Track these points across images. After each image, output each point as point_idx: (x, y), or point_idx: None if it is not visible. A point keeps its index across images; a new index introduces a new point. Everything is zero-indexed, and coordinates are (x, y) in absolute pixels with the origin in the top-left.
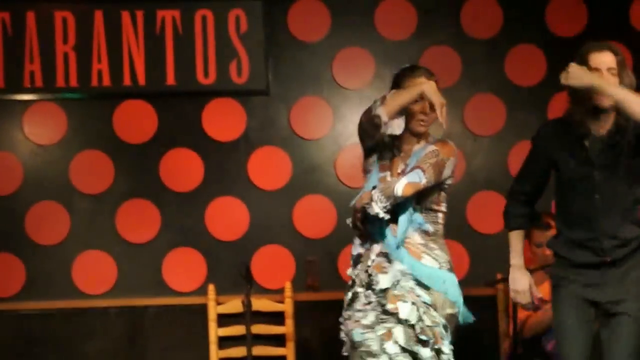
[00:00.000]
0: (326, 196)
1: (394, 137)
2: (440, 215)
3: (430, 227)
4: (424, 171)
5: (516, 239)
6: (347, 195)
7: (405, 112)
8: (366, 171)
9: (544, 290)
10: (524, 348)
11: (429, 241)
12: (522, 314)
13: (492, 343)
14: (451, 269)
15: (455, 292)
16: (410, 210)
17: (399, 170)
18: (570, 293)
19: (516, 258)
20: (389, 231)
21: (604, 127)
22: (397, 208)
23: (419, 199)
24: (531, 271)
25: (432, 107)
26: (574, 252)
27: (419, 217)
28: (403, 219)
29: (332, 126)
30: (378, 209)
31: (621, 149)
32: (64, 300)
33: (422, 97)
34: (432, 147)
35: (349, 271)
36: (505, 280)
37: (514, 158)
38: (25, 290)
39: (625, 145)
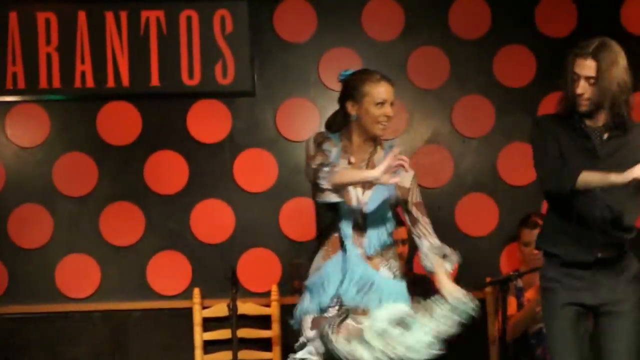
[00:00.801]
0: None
1: (342, 140)
2: (394, 224)
3: (388, 239)
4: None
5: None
6: None
7: (362, 116)
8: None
9: (534, 293)
10: (514, 351)
11: (388, 250)
12: (508, 318)
13: (482, 346)
14: (402, 276)
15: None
16: (383, 229)
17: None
18: (561, 299)
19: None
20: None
21: (599, 120)
22: (368, 221)
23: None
24: (522, 274)
25: (391, 104)
26: (565, 248)
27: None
28: (374, 235)
29: (319, 128)
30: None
31: (624, 142)
32: (47, 304)
33: (384, 102)
34: (411, 174)
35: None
36: (494, 283)
37: (503, 160)
38: (8, 294)
39: (629, 140)
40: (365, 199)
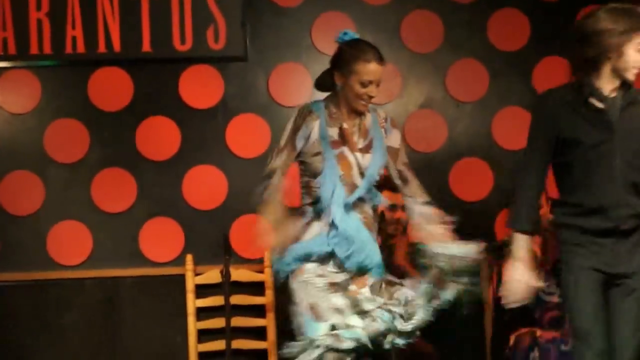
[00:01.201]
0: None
1: (327, 107)
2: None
3: (378, 200)
4: None
5: (523, 241)
6: None
7: (346, 90)
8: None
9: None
10: (511, 316)
11: (376, 217)
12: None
13: (477, 311)
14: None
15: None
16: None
17: (360, 146)
18: (581, 262)
19: (521, 252)
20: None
21: (609, 89)
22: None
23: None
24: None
25: (378, 85)
26: (586, 219)
27: (379, 195)
28: (370, 200)
29: (312, 93)
30: None
31: (637, 112)
32: (39, 272)
33: (370, 82)
34: (398, 133)
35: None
36: (489, 249)
37: (497, 124)
38: (0, 262)
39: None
40: (366, 163)
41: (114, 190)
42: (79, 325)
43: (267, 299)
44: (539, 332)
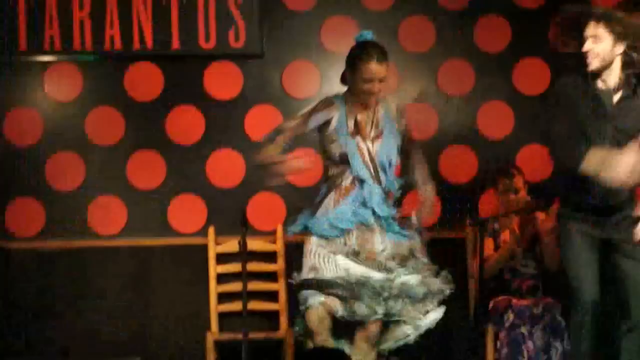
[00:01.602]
0: (314, 149)
1: (346, 101)
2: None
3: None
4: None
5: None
6: None
7: (351, 82)
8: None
9: (508, 235)
10: (492, 286)
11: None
12: (485, 257)
13: (461, 281)
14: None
15: None
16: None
17: (373, 135)
18: (579, 229)
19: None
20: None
21: (608, 82)
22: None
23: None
24: (498, 217)
25: (381, 81)
26: (580, 196)
27: (394, 182)
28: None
29: (320, 87)
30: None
31: (634, 105)
32: (80, 241)
33: (370, 79)
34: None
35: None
36: (473, 225)
37: (481, 116)
38: (46, 231)
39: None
40: (375, 150)
41: (146, 170)
42: (114, 288)
43: (278, 266)
44: (514, 300)
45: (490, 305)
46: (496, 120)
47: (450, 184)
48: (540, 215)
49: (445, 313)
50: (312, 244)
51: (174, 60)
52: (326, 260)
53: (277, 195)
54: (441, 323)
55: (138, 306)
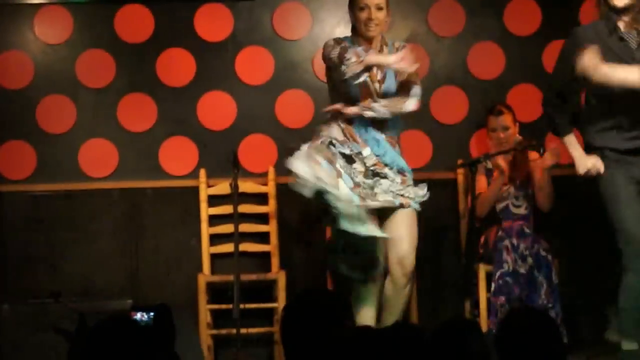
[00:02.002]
0: (305, 91)
1: (352, 43)
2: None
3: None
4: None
5: (572, 139)
6: (324, 89)
7: (353, 19)
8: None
9: (497, 173)
10: (482, 224)
11: (398, 139)
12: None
13: (453, 221)
14: None
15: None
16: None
17: (379, 78)
18: (619, 169)
19: (577, 150)
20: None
21: (630, 26)
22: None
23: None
24: (490, 156)
25: (379, 9)
26: (614, 139)
27: (399, 121)
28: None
29: (311, 28)
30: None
31: None
32: (71, 183)
33: (366, 6)
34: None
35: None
36: (465, 165)
37: (472, 57)
38: (37, 174)
39: None
40: (381, 91)
41: (137, 112)
42: (107, 230)
43: (270, 208)
44: (505, 224)
45: (482, 239)
46: (487, 61)
47: (441, 125)
48: (533, 155)
49: (437, 253)
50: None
51: (164, 3)
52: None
53: (268, 137)
54: (433, 263)
55: (129, 248)
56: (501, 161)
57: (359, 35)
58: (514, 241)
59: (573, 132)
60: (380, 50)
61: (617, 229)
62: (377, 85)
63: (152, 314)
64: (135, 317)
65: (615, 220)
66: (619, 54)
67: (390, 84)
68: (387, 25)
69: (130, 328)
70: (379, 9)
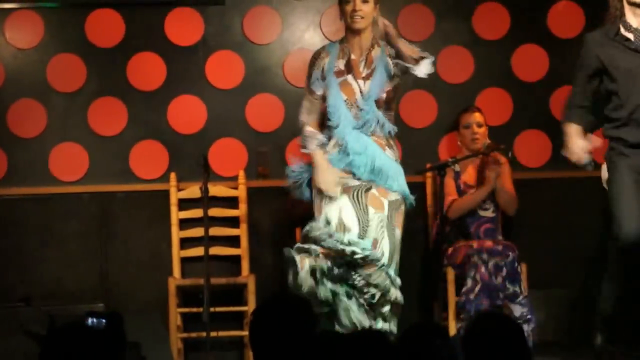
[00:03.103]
0: (275, 95)
1: (342, 43)
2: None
3: (390, 127)
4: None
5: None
6: (294, 93)
7: (341, 14)
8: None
9: (469, 176)
10: (451, 227)
11: (388, 138)
12: (448, 199)
13: (422, 224)
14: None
15: (403, 182)
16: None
17: (365, 75)
18: (627, 165)
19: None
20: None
21: (636, 22)
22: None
23: (389, 102)
24: (458, 160)
25: (364, 1)
26: (627, 132)
27: (387, 122)
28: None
29: (281, 33)
30: None
31: None
32: (42, 187)
33: None
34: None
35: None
36: (433, 168)
37: (441, 61)
38: (7, 178)
39: None
40: (367, 89)
41: (108, 116)
42: (77, 234)
43: (240, 211)
44: (475, 244)
45: (450, 251)
46: (456, 65)
47: (410, 129)
48: (501, 158)
49: (406, 257)
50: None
51: (135, 7)
52: (329, 199)
53: (238, 141)
54: (402, 266)
55: (100, 252)
56: (490, 174)
57: (349, 33)
58: (485, 257)
59: (579, 125)
60: (372, 48)
61: (613, 217)
62: (360, 82)
63: (103, 320)
64: (87, 322)
65: (612, 208)
66: (627, 51)
67: (378, 83)
68: (375, 19)
69: (83, 333)
70: (365, 1)
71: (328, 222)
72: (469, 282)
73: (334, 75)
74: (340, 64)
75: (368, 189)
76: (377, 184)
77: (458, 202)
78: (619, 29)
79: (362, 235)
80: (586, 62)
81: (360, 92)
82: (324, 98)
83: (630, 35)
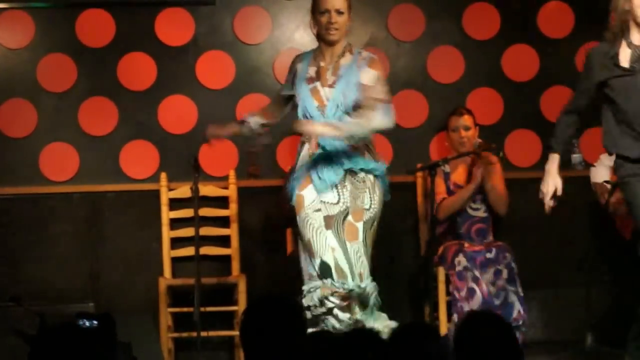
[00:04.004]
0: (266, 95)
1: (315, 51)
2: None
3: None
4: (388, 102)
5: (554, 160)
6: None
7: (315, 24)
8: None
9: (459, 176)
10: (442, 229)
11: (367, 143)
12: (437, 197)
13: (412, 224)
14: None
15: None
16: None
17: (330, 82)
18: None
19: (553, 166)
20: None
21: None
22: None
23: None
24: (448, 160)
25: (339, 13)
26: (632, 150)
27: None
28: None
29: (271, 33)
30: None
31: None
32: (32, 187)
33: (326, 11)
34: (371, 72)
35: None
36: (424, 168)
37: (432, 61)
38: None
39: None
40: (331, 97)
41: (98, 116)
42: (68, 233)
43: (231, 211)
44: (466, 244)
45: (440, 250)
46: (446, 65)
47: (401, 129)
48: (492, 158)
49: (397, 257)
50: (306, 208)
51: (126, 7)
52: (318, 235)
53: (229, 141)
54: (393, 266)
55: (90, 252)
56: (477, 171)
57: (322, 42)
58: (479, 272)
59: (559, 154)
60: (343, 56)
61: None
62: (327, 89)
63: (95, 322)
64: (79, 323)
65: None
66: (621, 69)
67: (341, 91)
68: (348, 30)
69: (74, 334)
70: (340, 13)
71: (327, 267)
72: (463, 293)
73: (305, 82)
74: (312, 71)
75: (345, 217)
76: (352, 182)
77: (446, 201)
78: (617, 49)
79: (353, 277)
80: (585, 76)
81: (327, 99)
82: (286, 99)
83: (629, 56)
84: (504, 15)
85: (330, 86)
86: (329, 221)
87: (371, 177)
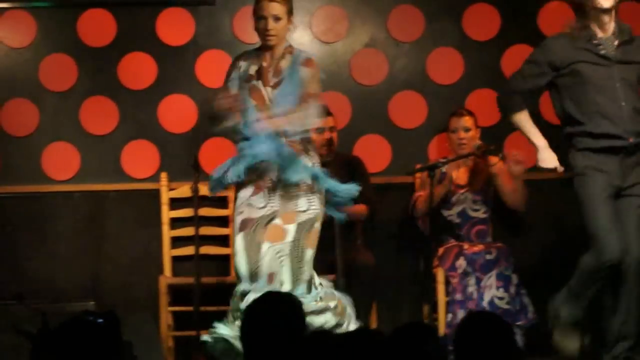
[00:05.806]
0: None
1: (257, 50)
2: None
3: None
4: (319, 100)
5: (527, 121)
6: None
7: (256, 27)
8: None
9: (461, 176)
10: (439, 229)
11: (306, 144)
12: (415, 195)
13: (411, 224)
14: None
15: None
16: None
17: (272, 83)
18: (596, 178)
19: (538, 138)
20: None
21: (607, 29)
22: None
23: None
24: (448, 161)
25: (277, 19)
26: (596, 140)
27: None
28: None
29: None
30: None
31: (633, 47)
32: (34, 185)
33: (262, 17)
34: (307, 71)
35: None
36: (423, 169)
37: (431, 62)
38: (0, 176)
39: (636, 46)
40: (273, 97)
41: (99, 116)
42: (69, 232)
43: (230, 211)
44: (466, 246)
45: (440, 251)
46: (446, 66)
47: (400, 129)
48: (493, 159)
49: (396, 257)
50: (236, 207)
51: (127, 7)
52: (251, 243)
53: (228, 141)
54: (392, 267)
55: (92, 251)
56: (454, 172)
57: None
58: (480, 275)
59: (527, 114)
60: (283, 58)
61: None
62: (269, 90)
63: (100, 320)
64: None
65: (592, 224)
66: (596, 59)
67: (284, 93)
68: (289, 34)
69: (76, 332)
70: (277, 19)
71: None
72: (461, 296)
73: (245, 80)
74: (252, 70)
75: (270, 220)
76: (285, 182)
77: (422, 198)
78: (586, 37)
79: (253, 278)
80: (542, 58)
81: (269, 99)
82: None
83: (599, 42)
84: (504, 16)
85: (273, 87)
86: (245, 224)
87: (308, 179)
